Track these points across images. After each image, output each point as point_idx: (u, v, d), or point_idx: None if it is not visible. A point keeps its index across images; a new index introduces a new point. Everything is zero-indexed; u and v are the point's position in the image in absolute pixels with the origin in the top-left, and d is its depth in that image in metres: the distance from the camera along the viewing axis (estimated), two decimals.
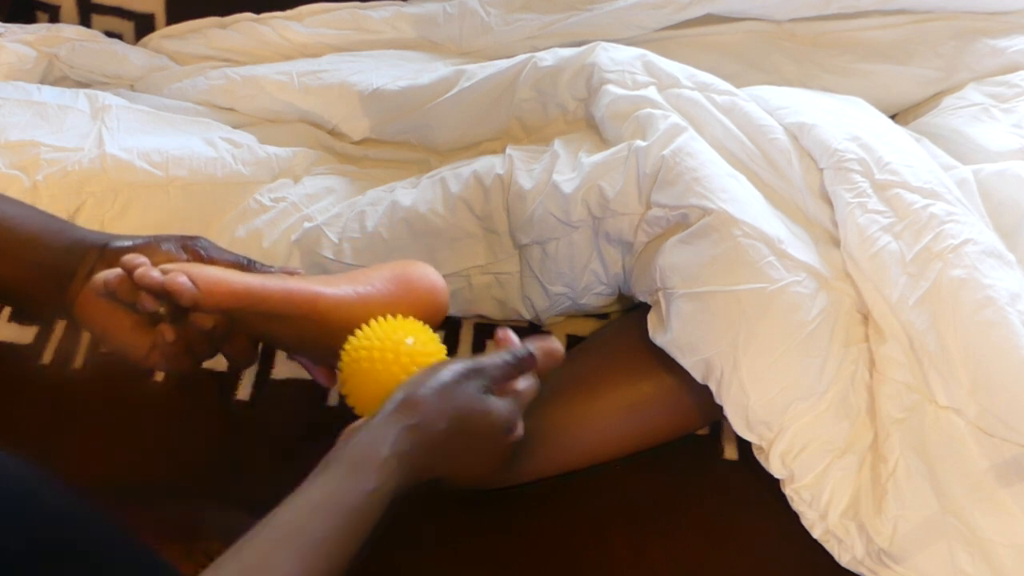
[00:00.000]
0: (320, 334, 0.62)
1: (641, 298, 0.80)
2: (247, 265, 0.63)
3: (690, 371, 0.72)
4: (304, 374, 0.85)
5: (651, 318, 0.75)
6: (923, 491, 0.68)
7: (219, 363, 0.86)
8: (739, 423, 0.73)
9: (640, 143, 0.77)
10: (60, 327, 0.88)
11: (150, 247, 0.60)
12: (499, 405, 0.59)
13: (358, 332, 0.61)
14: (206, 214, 0.85)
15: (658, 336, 0.73)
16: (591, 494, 0.78)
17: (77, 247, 0.60)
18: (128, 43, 1.07)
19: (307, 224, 0.84)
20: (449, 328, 0.88)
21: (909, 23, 1.01)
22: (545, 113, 0.90)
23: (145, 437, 0.81)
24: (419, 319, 0.65)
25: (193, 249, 0.61)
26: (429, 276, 0.67)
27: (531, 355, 0.62)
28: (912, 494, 0.68)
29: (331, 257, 0.83)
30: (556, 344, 0.64)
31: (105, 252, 0.59)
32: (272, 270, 0.64)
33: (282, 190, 0.87)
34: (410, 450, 0.53)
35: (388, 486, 0.52)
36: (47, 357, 0.87)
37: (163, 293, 0.56)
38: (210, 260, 0.61)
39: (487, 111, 0.92)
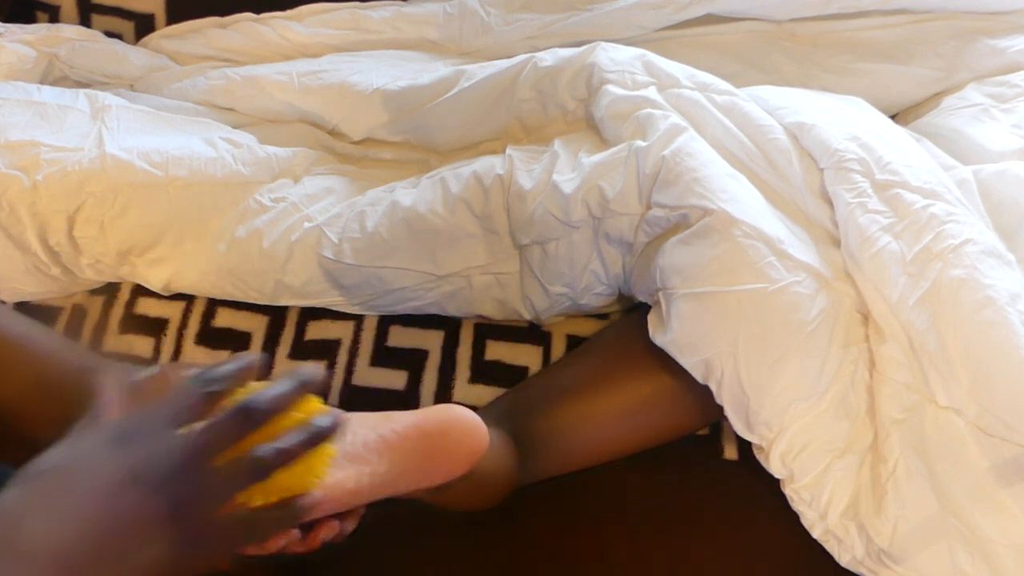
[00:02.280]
0: None
1: (641, 298, 0.80)
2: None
3: (690, 371, 0.72)
4: None
5: (651, 318, 0.75)
6: (923, 491, 0.68)
7: None
8: (739, 423, 0.73)
9: (640, 143, 0.77)
10: (60, 327, 0.89)
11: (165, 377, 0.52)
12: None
13: None
14: (206, 214, 0.85)
15: (658, 336, 0.73)
16: (591, 494, 0.78)
17: (92, 372, 0.54)
18: (128, 43, 1.06)
19: (307, 224, 0.84)
20: (449, 328, 0.88)
21: (909, 23, 1.01)
22: (545, 113, 0.90)
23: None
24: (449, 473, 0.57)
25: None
26: (465, 437, 0.58)
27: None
28: (912, 494, 0.68)
29: (331, 257, 0.83)
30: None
31: (138, 386, 0.51)
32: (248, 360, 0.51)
33: (282, 190, 0.87)
34: None
35: None
36: None
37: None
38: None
39: (487, 111, 0.92)
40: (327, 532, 0.54)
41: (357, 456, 0.57)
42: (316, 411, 0.50)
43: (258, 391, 0.47)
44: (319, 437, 0.46)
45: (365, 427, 0.58)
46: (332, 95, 0.95)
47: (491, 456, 0.68)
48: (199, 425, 0.44)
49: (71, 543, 0.38)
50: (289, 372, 0.48)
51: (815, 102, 0.84)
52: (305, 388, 0.48)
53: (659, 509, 0.78)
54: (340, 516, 0.56)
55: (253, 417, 0.45)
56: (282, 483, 0.47)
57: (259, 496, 0.47)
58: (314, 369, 0.49)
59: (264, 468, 0.44)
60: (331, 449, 0.49)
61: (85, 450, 0.42)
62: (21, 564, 0.37)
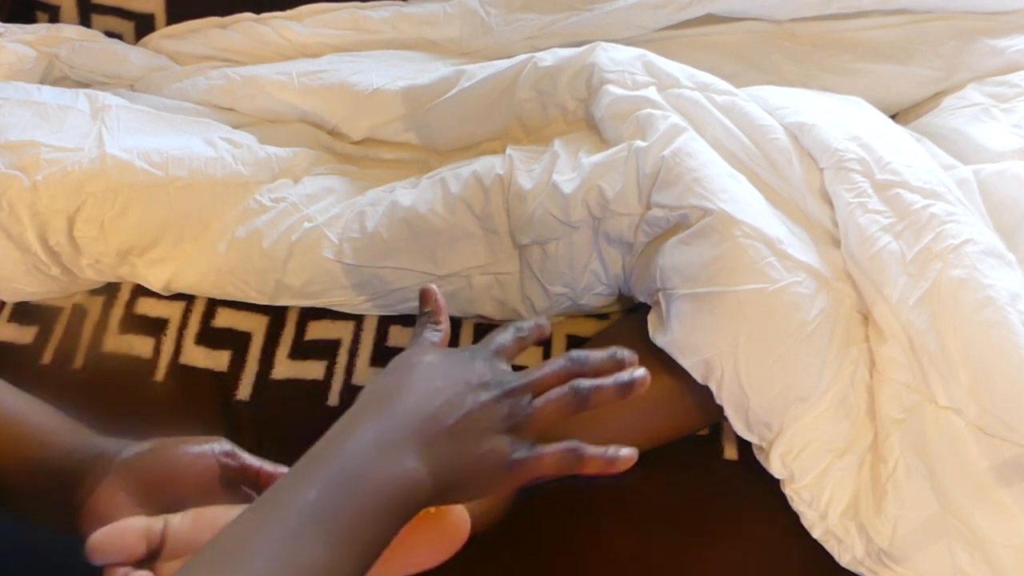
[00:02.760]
0: None
1: (641, 298, 0.80)
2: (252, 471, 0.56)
3: (690, 372, 0.72)
4: (304, 374, 0.85)
5: (651, 319, 0.75)
6: (923, 491, 0.68)
7: (219, 363, 0.86)
8: (739, 423, 0.73)
9: (640, 143, 0.77)
10: (60, 327, 0.89)
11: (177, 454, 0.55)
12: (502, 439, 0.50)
13: None
14: (206, 214, 0.85)
15: (658, 337, 0.73)
16: (591, 494, 0.78)
17: (87, 450, 0.55)
18: (128, 43, 1.06)
19: (307, 224, 0.84)
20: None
21: (909, 23, 1.01)
22: (545, 113, 0.90)
23: (145, 437, 0.81)
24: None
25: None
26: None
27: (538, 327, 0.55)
28: (912, 494, 0.68)
29: (331, 257, 0.83)
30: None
31: (129, 464, 0.54)
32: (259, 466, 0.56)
33: (282, 190, 0.87)
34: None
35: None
36: (47, 357, 0.87)
37: None
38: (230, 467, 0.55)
39: (487, 111, 0.92)
40: None
41: None
42: None
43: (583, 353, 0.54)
44: (628, 387, 0.53)
45: None
46: (332, 95, 0.95)
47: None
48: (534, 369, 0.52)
49: (435, 411, 0.48)
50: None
51: (815, 102, 0.84)
52: (619, 360, 0.54)
53: (659, 509, 0.78)
54: None
55: (580, 364, 0.53)
56: None
57: None
58: (642, 375, 0.54)
59: (583, 397, 0.52)
60: None
61: (444, 356, 0.53)
62: (398, 418, 0.47)
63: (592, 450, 0.51)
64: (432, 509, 0.56)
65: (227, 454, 0.55)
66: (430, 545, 0.57)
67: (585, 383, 0.52)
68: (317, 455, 0.46)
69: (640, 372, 0.53)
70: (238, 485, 0.56)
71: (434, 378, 0.51)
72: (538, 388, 0.51)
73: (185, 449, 0.55)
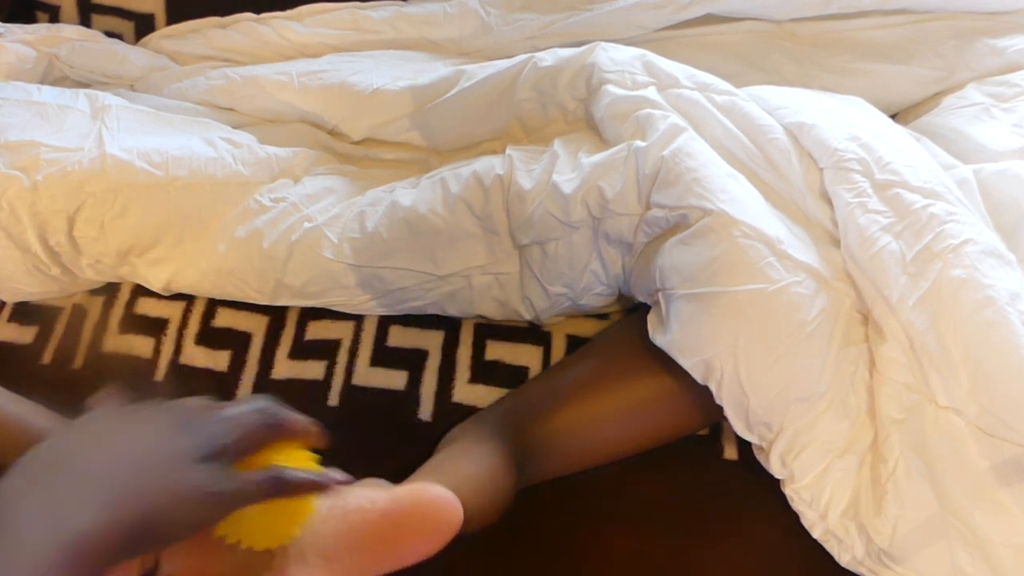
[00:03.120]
0: None
1: (641, 299, 0.80)
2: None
3: (690, 372, 0.72)
4: (304, 374, 0.85)
5: (651, 319, 0.75)
6: (923, 491, 0.68)
7: (219, 363, 0.86)
8: (739, 424, 0.73)
9: (640, 143, 0.77)
10: (60, 327, 0.89)
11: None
12: None
13: None
14: (206, 214, 0.85)
15: (658, 337, 0.73)
16: (591, 494, 0.78)
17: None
18: (128, 43, 1.06)
19: (307, 224, 0.84)
20: (449, 328, 0.88)
21: (909, 23, 1.01)
22: (545, 113, 0.90)
23: None
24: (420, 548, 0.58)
25: None
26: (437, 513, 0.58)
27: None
28: (912, 494, 0.68)
29: (331, 257, 0.83)
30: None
31: None
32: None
33: (282, 190, 0.87)
34: None
35: None
36: (47, 357, 0.87)
37: None
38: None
39: (487, 111, 0.92)
40: None
41: (328, 552, 0.57)
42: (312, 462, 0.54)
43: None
44: (323, 485, 0.51)
45: (337, 517, 0.58)
46: (332, 95, 0.95)
47: (489, 485, 0.69)
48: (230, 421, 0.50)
49: (118, 467, 0.45)
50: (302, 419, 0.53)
51: (815, 102, 0.84)
52: (307, 433, 0.53)
53: (659, 509, 0.78)
54: None
55: (276, 424, 0.51)
56: (264, 527, 0.52)
57: (244, 538, 0.52)
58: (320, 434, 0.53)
59: (279, 486, 0.49)
60: (312, 506, 0.54)
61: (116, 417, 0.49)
62: (71, 480, 0.43)
63: (298, 475, 0.50)
64: (419, 495, 0.56)
65: None
66: (420, 536, 0.57)
67: (289, 476, 0.50)
68: None
69: (337, 476, 0.52)
70: None
71: (108, 428, 0.48)
72: (236, 441, 0.49)
73: None
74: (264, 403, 0.51)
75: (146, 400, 0.51)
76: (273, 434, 0.51)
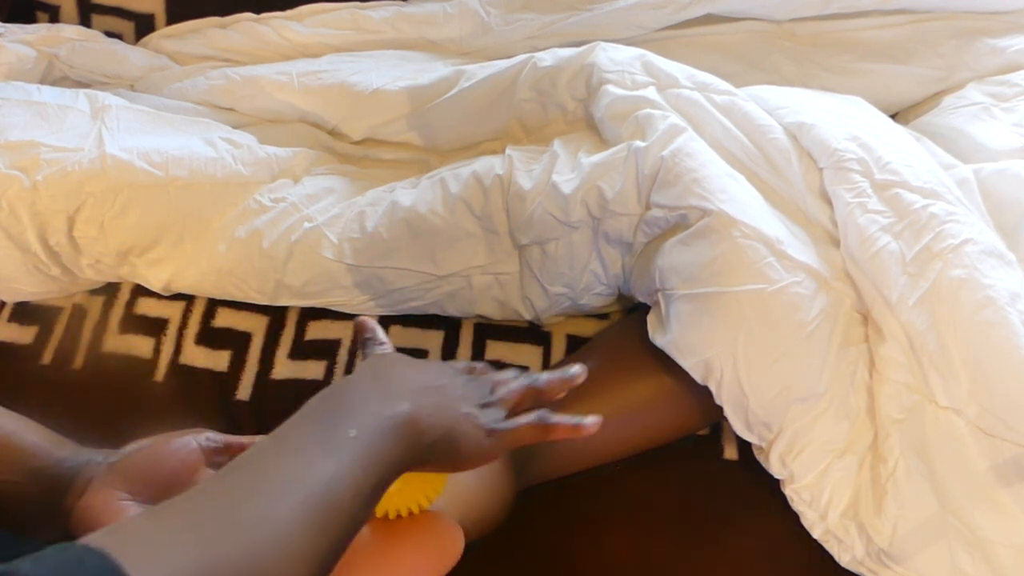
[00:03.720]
0: None
1: (641, 299, 0.80)
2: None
3: (690, 372, 0.72)
4: (304, 374, 0.85)
5: (651, 319, 0.75)
6: (923, 491, 0.68)
7: (219, 363, 0.86)
8: (739, 424, 0.73)
9: (639, 143, 0.77)
10: (60, 327, 0.89)
11: (161, 446, 0.58)
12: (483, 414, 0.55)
13: None
14: (206, 214, 0.85)
15: (658, 337, 0.73)
16: (591, 494, 0.78)
17: (75, 459, 0.57)
18: (128, 43, 1.06)
19: (307, 224, 0.84)
20: (449, 328, 0.88)
21: (909, 23, 1.01)
22: (545, 113, 0.90)
23: (145, 437, 0.81)
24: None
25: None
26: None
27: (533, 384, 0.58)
28: (912, 494, 0.68)
29: (331, 257, 0.83)
30: (574, 371, 0.60)
31: (115, 465, 0.56)
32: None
33: (282, 190, 0.87)
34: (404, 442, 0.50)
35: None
36: (47, 357, 0.87)
37: None
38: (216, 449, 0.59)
39: (487, 111, 0.92)
40: None
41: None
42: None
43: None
44: (581, 428, 0.57)
45: None
46: (332, 95, 0.95)
47: (489, 497, 0.69)
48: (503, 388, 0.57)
49: (422, 377, 0.53)
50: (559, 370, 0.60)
51: (815, 102, 0.84)
52: (570, 382, 0.59)
53: (659, 509, 0.78)
54: None
55: (536, 387, 0.58)
56: (408, 498, 0.56)
57: (390, 509, 0.56)
58: (579, 369, 0.60)
59: (544, 429, 0.56)
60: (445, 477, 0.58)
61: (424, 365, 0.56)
62: (393, 379, 0.52)
63: (558, 418, 0.56)
64: (426, 513, 0.56)
65: (208, 438, 0.58)
66: (425, 560, 0.57)
67: (551, 418, 0.56)
68: (318, 404, 0.49)
69: (591, 421, 0.57)
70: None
71: (415, 363, 0.56)
72: (503, 398, 0.57)
73: (168, 441, 0.58)
74: (518, 372, 0.59)
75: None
76: (531, 395, 0.57)
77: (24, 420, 0.62)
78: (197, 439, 0.58)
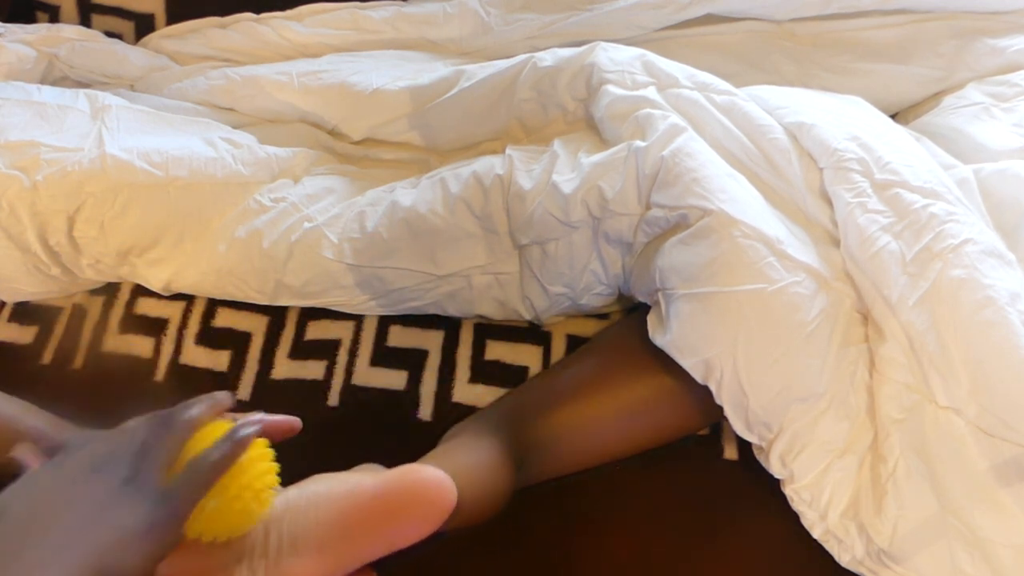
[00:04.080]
0: None
1: (641, 299, 0.80)
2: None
3: (690, 372, 0.72)
4: (304, 374, 0.85)
5: (651, 319, 0.75)
6: (923, 491, 0.68)
7: (219, 363, 0.86)
8: (739, 424, 0.73)
9: (639, 143, 0.77)
10: (60, 327, 0.89)
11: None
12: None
13: None
14: (206, 214, 0.85)
15: (658, 337, 0.73)
16: (591, 494, 0.78)
17: (56, 432, 0.58)
18: (128, 43, 1.06)
19: (307, 224, 0.84)
20: (449, 328, 0.88)
21: (909, 23, 1.01)
22: (545, 113, 0.90)
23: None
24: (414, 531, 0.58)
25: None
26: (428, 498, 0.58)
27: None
28: (912, 494, 0.68)
29: (331, 257, 0.83)
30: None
31: None
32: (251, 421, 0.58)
33: (282, 190, 0.87)
34: None
35: None
36: (47, 357, 0.87)
37: None
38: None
39: (487, 111, 0.92)
40: None
41: (321, 541, 0.57)
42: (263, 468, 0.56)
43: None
44: (240, 445, 0.53)
45: (329, 504, 0.59)
46: (332, 95, 0.95)
47: (488, 476, 0.69)
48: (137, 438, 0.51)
49: (63, 554, 0.45)
50: (203, 397, 0.56)
51: (815, 102, 0.84)
52: (217, 408, 0.55)
53: (659, 509, 0.78)
54: None
55: (177, 424, 0.53)
56: (224, 520, 0.54)
57: (210, 533, 0.54)
58: (225, 395, 0.56)
59: (204, 472, 0.51)
60: (272, 479, 0.56)
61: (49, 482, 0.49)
62: None
63: (211, 455, 0.52)
64: (409, 477, 0.56)
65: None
66: (412, 518, 0.57)
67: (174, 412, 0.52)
68: None
69: (245, 432, 0.54)
70: None
71: (32, 514, 0.47)
72: (148, 448, 0.51)
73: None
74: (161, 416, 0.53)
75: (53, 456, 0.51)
76: (173, 431, 0.52)
77: (24, 404, 0.62)
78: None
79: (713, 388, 0.71)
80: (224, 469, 0.52)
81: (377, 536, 0.57)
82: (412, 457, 0.73)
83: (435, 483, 0.57)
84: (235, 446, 0.53)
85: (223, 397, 0.56)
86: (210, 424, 0.55)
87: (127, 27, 1.08)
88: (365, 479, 0.59)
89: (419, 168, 0.94)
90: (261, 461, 0.56)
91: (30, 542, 0.45)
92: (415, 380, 0.85)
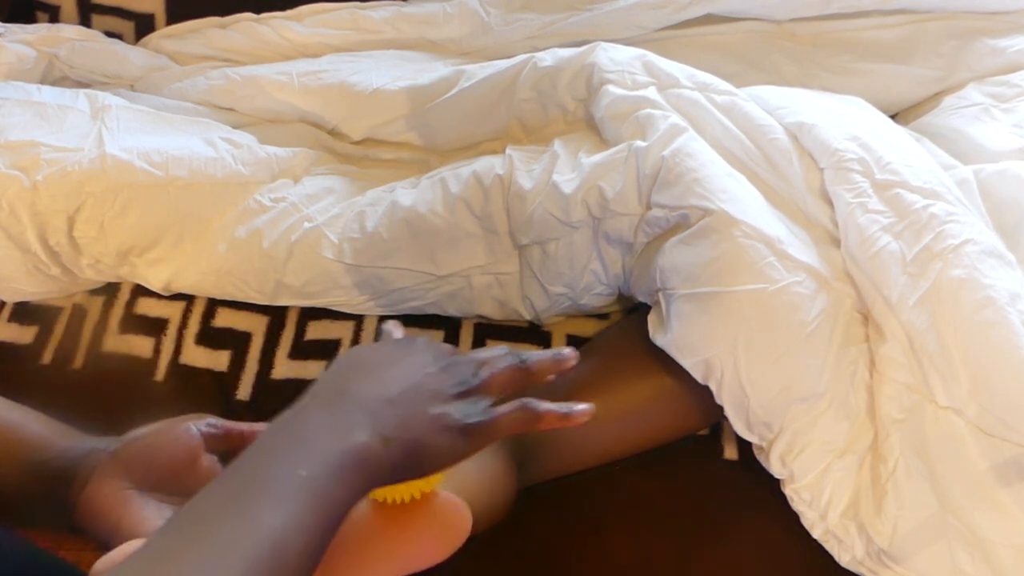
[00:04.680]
0: None
1: (641, 299, 0.80)
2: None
3: (690, 372, 0.72)
4: (304, 374, 0.85)
5: (651, 319, 0.75)
6: (923, 491, 0.68)
7: (219, 363, 0.86)
8: (739, 424, 0.73)
9: (640, 143, 0.77)
10: (60, 327, 0.89)
11: (162, 433, 0.58)
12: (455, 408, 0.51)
13: None
14: (206, 214, 0.85)
15: (658, 337, 0.73)
16: (591, 494, 0.78)
17: (79, 449, 0.58)
18: (128, 43, 1.06)
19: (307, 224, 0.84)
20: (449, 328, 0.88)
21: (909, 23, 1.01)
22: (545, 113, 0.90)
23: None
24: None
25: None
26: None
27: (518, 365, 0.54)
28: (912, 494, 0.68)
29: (331, 257, 0.83)
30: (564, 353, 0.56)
31: (117, 454, 0.57)
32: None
33: (282, 190, 0.87)
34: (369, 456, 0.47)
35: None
36: (47, 357, 0.87)
37: None
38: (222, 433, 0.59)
39: (487, 111, 0.92)
40: None
41: (332, 560, 0.55)
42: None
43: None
44: (568, 416, 0.53)
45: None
46: (332, 95, 0.95)
47: (492, 488, 0.69)
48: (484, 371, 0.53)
49: (381, 386, 0.49)
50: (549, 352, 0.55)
51: (815, 102, 0.84)
52: (562, 363, 0.55)
53: (659, 509, 0.78)
54: None
55: (524, 367, 0.53)
56: (410, 485, 0.54)
57: (392, 494, 0.54)
58: (571, 352, 0.55)
59: (532, 418, 0.52)
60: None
61: (392, 342, 0.55)
62: (346, 398, 0.48)
63: (546, 406, 0.52)
64: (429, 495, 0.56)
65: (209, 424, 0.58)
66: (432, 541, 0.57)
67: (538, 406, 0.52)
68: (270, 440, 0.47)
69: (581, 408, 0.53)
70: (225, 453, 0.58)
71: (380, 359, 0.52)
72: (487, 382, 0.52)
73: (170, 428, 0.58)
74: (506, 350, 0.54)
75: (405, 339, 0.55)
76: (520, 376, 0.53)
77: (27, 411, 0.62)
78: (198, 425, 0.58)
79: (713, 388, 0.71)
80: (546, 426, 0.52)
81: (392, 558, 0.56)
82: None
83: (453, 508, 0.57)
84: (566, 417, 0.52)
85: (570, 355, 0.55)
86: None
87: (127, 27, 1.08)
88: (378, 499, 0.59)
89: (419, 168, 0.94)
90: None
91: (366, 388, 0.49)
92: None
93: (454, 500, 0.58)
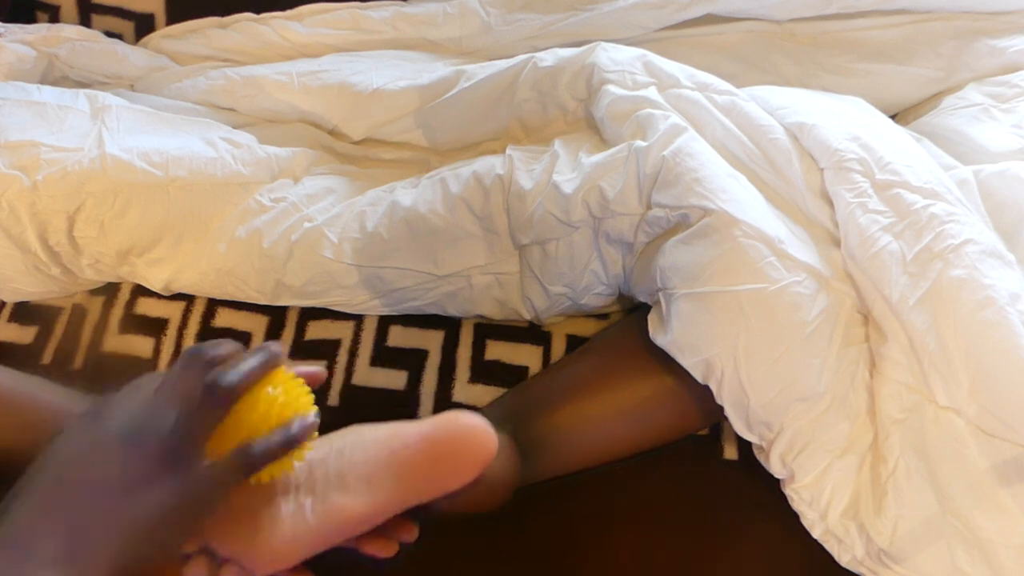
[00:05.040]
0: None
1: (641, 298, 0.80)
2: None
3: (690, 371, 0.72)
4: None
5: (651, 319, 0.75)
6: (923, 491, 0.68)
7: None
8: (739, 423, 0.73)
9: (640, 143, 0.77)
10: (60, 327, 0.89)
11: None
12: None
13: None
14: (206, 214, 0.85)
15: (658, 337, 0.73)
16: (591, 494, 0.78)
17: (74, 407, 0.58)
18: (128, 43, 1.06)
19: (307, 224, 0.84)
20: (449, 328, 0.88)
21: (909, 23, 1.01)
22: (545, 113, 0.90)
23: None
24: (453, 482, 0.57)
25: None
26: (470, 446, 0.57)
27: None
28: (912, 494, 0.68)
29: (331, 257, 0.83)
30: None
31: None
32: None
33: (282, 190, 0.87)
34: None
35: None
36: (47, 357, 0.87)
37: None
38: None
39: (487, 111, 0.92)
40: (378, 548, 0.58)
41: (371, 478, 0.57)
42: (298, 394, 0.54)
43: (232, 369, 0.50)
44: (296, 440, 0.52)
45: (376, 445, 0.59)
46: (332, 95, 0.95)
47: (495, 459, 0.68)
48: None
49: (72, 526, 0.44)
50: (256, 348, 0.52)
51: (815, 102, 0.84)
52: (270, 363, 0.52)
53: (659, 509, 0.78)
54: (386, 531, 0.58)
55: (221, 394, 0.49)
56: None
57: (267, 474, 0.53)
58: (278, 347, 0.53)
59: (252, 465, 0.50)
60: (312, 415, 0.54)
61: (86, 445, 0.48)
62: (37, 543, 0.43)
63: (261, 447, 0.50)
64: (456, 423, 0.57)
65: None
66: (459, 463, 0.57)
67: (252, 450, 0.49)
68: None
69: (298, 425, 0.52)
70: None
71: (67, 472, 0.46)
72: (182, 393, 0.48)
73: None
74: (207, 383, 0.49)
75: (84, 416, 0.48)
76: (219, 402, 0.49)
77: (40, 380, 0.62)
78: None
79: (714, 388, 0.71)
80: (270, 463, 0.50)
81: (425, 478, 0.57)
82: None
83: (480, 429, 0.57)
84: (290, 442, 0.51)
85: (276, 351, 0.52)
86: (258, 387, 0.52)
87: (127, 27, 1.08)
88: (408, 424, 0.59)
89: (419, 168, 0.94)
90: (301, 397, 0.55)
91: (55, 508, 0.44)
92: (415, 380, 0.85)
93: (479, 422, 0.58)
